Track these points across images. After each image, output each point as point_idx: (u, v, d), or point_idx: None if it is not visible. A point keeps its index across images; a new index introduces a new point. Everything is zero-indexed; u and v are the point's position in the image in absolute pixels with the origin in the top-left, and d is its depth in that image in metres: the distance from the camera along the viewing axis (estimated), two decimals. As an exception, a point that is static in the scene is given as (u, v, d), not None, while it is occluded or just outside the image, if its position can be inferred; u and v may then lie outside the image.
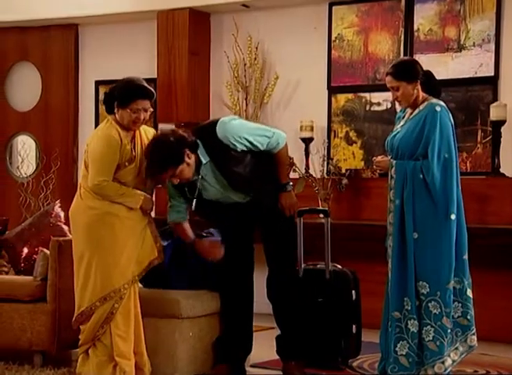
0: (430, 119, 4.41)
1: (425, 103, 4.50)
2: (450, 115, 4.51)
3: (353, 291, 5.13)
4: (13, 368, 5.02)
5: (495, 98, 6.47)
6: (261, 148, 4.68)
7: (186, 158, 4.49)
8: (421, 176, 4.39)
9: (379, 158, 4.68)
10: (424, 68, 4.60)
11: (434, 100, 4.51)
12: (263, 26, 7.42)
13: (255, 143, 4.64)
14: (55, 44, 8.43)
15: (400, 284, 4.44)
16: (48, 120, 8.44)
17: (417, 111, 4.52)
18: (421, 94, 4.53)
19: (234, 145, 4.58)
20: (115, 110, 4.50)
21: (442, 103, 4.51)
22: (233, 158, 4.61)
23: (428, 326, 4.40)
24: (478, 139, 6.56)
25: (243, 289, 4.90)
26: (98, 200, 4.47)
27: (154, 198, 4.69)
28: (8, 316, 5.18)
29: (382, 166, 4.66)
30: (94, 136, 4.54)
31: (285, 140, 4.78)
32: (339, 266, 5.20)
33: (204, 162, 4.59)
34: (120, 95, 4.48)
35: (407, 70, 4.53)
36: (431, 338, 4.40)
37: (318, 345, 5.07)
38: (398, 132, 4.58)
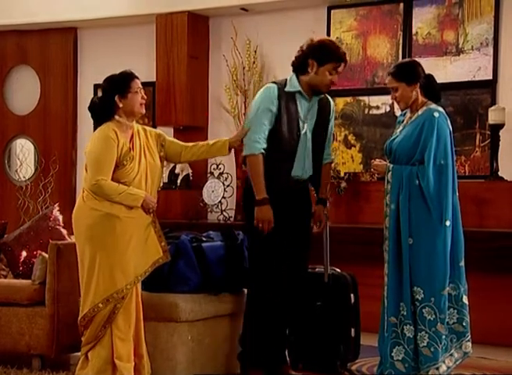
0: (428, 124, 4.41)
1: (424, 108, 4.50)
2: (449, 121, 4.51)
3: (352, 295, 5.12)
4: (12, 372, 5.01)
5: (493, 102, 6.48)
6: (329, 140, 4.90)
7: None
8: (417, 181, 4.39)
9: (377, 161, 4.69)
10: (423, 72, 4.61)
11: (433, 105, 4.51)
12: (262, 29, 7.42)
13: (331, 133, 4.93)
14: (54, 47, 8.44)
15: (397, 289, 4.44)
16: (47, 124, 8.45)
17: (415, 116, 4.52)
18: (421, 98, 4.53)
19: (332, 112, 4.90)
20: (120, 103, 4.53)
21: (440, 109, 4.50)
22: (324, 121, 4.83)
23: (423, 332, 4.40)
24: (477, 142, 6.56)
25: (291, 293, 4.85)
26: (99, 201, 4.46)
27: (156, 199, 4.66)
28: (7, 319, 5.17)
29: (379, 171, 4.67)
30: (92, 138, 4.56)
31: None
32: (338, 270, 5.20)
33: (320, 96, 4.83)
34: (117, 85, 4.58)
35: (407, 72, 4.53)
36: (425, 344, 4.39)
37: (317, 349, 5.07)
38: (397, 136, 4.58)
